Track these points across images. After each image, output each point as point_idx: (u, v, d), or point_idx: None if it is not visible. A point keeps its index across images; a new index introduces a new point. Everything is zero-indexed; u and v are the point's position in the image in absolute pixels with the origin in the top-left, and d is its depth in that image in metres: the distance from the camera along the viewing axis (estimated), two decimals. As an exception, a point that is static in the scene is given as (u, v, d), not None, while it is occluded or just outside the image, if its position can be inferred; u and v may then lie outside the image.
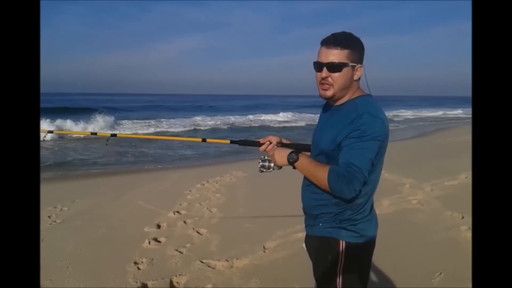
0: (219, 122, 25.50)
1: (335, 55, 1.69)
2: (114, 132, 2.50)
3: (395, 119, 28.89)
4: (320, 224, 1.82)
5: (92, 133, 2.76)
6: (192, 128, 22.31)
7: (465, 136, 14.56)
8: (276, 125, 25.35)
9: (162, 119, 25.78)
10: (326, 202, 1.78)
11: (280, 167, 1.97)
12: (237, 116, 30.82)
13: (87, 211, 5.53)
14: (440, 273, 3.38)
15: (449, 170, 7.68)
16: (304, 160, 1.77)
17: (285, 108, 42.95)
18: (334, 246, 1.77)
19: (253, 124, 25.65)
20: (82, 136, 13.76)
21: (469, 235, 4.25)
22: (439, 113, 37.39)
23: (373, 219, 1.84)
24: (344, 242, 1.75)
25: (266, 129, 23.16)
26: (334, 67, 1.71)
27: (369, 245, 1.82)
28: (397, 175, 7.07)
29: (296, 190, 2.04)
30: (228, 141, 2.27)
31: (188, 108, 42.89)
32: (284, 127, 24.47)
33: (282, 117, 30.91)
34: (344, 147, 1.65)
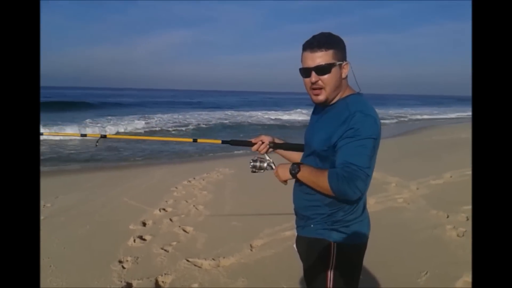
0: (209, 118, 25.12)
1: (321, 57, 1.67)
2: (103, 133, 2.45)
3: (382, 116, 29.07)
4: (312, 225, 1.79)
5: (82, 135, 2.70)
6: (183, 125, 21.53)
7: (450, 135, 14.79)
8: (271, 123, 24.67)
9: (153, 116, 25.07)
10: (318, 203, 1.75)
11: (271, 168, 1.95)
12: (228, 113, 30.64)
13: (71, 208, 5.43)
14: (426, 272, 3.40)
15: (434, 168, 7.76)
16: (305, 170, 1.74)
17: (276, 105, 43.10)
18: (326, 247, 1.74)
19: (244, 121, 24.96)
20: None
21: (454, 234, 4.30)
22: (425, 111, 37.82)
23: (365, 220, 1.82)
24: (335, 243, 1.73)
25: (254, 128, 22.22)
26: (323, 70, 1.68)
27: (361, 246, 1.80)
28: (383, 173, 7.09)
29: (283, 188, 2.02)
30: (220, 141, 2.23)
31: (177, 104, 42.20)
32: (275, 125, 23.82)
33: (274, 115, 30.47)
34: (340, 148, 1.61)
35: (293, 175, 1.77)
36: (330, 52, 1.67)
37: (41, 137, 1.84)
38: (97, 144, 2.50)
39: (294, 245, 1.98)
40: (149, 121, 21.92)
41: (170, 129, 19.91)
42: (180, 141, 12.90)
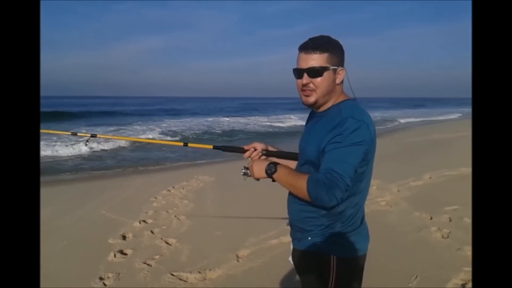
0: (192, 125, 24.80)
1: (314, 59, 1.62)
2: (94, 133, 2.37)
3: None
4: (309, 238, 1.71)
5: (72, 133, 2.59)
6: (162, 133, 20.81)
7: (424, 137, 15.09)
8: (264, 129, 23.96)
9: (129, 125, 24.33)
10: (314, 214, 1.67)
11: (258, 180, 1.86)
12: (210, 119, 30.35)
13: (45, 222, 5.15)
14: (416, 276, 3.37)
15: (413, 170, 7.85)
16: (282, 171, 1.68)
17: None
18: (325, 261, 1.66)
19: (228, 128, 24.30)
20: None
21: (439, 235, 4.32)
22: (397, 112, 38.59)
23: (364, 231, 1.75)
24: (335, 257, 1.65)
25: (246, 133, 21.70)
26: (315, 72, 1.63)
27: (361, 259, 1.73)
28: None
29: (267, 193, 1.94)
30: (211, 147, 2.17)
31: (154, 112, 40.53)
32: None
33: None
34: (326, 153, 1.56)
35: (269, 174, 1.72)
36: (325, 55, 1.62)
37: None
38: (86, 143, 2.50)
39: (290, 258, 1.89)
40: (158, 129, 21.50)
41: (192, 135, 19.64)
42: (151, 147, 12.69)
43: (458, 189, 6.22)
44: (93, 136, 2.31)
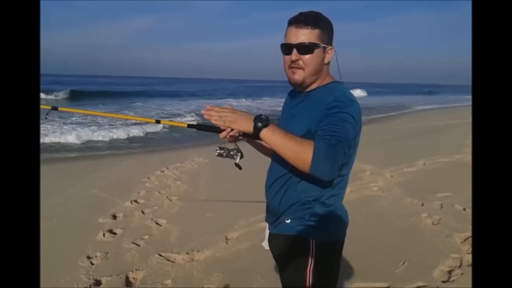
0: (181, 107, 24.50)
1: (305, 35, 1.53)
2: (55, 105, 2.15)
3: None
4: (287, 221, 1.67)
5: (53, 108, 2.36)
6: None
7: (420, 123, 15.05)
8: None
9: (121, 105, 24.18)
10: (294, 198, 1.62)
11: (240, 153, 1.71)
12: (200, 101, 30.17)
13: (36, 201, 5.15)
14: (404, 262, 3.37)
15: (407, 156, 7.83)
16: (278, 129, 1.42)
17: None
18: (304, 245, 1.62)
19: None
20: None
21: (429, 222, 4.32)
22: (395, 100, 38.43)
23: (344, 215, 1.72)
24: (314, 241, 1.61)
25: None
26: (305, 48, 1.54)
27: (340, 243, 1.70)
28: (357, 161, 7.04)
29: (260, 177, 1.88)
30: (185, 125, 1.97)
31: (148, 93, 39.71)
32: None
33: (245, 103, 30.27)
34: (327, 125, 1.43)
35: (258, 128, 1.41)
36: (316, 31, 1.54)
37: None
38: (46, 116, 2.23)
39: (264, 244, 1.84)
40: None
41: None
42: (150, 125, 12.62)
43: (452, 176, 6.22)
44: (54, 108, 2.13)
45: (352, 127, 1.45)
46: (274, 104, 27.56)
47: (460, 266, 3.31)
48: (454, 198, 5.01)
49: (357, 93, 40.17)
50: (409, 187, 5.71)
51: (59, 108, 2.13)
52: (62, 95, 30.57)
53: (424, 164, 7.20)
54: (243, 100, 33.22)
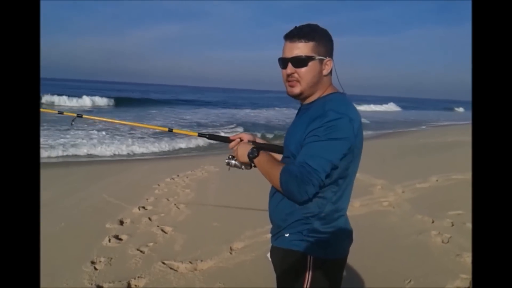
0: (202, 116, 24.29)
1: (299, 48, 1.55)
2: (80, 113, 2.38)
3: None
4: (286, 235, 1.65)
5: (59, 112, 2.62)
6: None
7: (436, 138, 14.82)
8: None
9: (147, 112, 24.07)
10: (292, 210, 1.60)
11: (246, 166, 1.81)
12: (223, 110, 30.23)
13: (47, 203, 5.21)
14: (410, 280, 3.29)
15: (421, 172, 7.69)
16: (263, 157, 1.65)
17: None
18: (301, 260, 1.60)
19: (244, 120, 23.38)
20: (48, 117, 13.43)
21: (439, 240, 4.21)
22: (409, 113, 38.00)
23: (346, 232, 1.68)
24: (312, 257, 1.59)
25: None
26: (300, 62, 1.56)
27: (340, 261, 1.66)
28: (368, 175, 7.00)
29: (268, 187, 1.88)
30: (196, 134, 2.11)
31: (171, 102, 38.98)
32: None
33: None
34: (304, 146, 1.50)
35: (250, 158, 1.69)
36: (310, 44, 1.55)
37: None
38: (72, 123, 2.46)
39: (268, 255, 1.84)
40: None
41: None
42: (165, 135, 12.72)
43: (465, 193, 6.07)
44: (79, 116, 2.29)
45: (335, 153, 1.47)
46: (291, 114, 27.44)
47: (469, 287, 3.22)
48: (466, 217, 4.88)
49: (390, 107, 39.69)
50: (420, 203, 5.60)
51: (84, 116, 2.33)
52: (106, 101, 30.58)
53: (437, 180, 7.06)
54: (264, 110, 33.37)
